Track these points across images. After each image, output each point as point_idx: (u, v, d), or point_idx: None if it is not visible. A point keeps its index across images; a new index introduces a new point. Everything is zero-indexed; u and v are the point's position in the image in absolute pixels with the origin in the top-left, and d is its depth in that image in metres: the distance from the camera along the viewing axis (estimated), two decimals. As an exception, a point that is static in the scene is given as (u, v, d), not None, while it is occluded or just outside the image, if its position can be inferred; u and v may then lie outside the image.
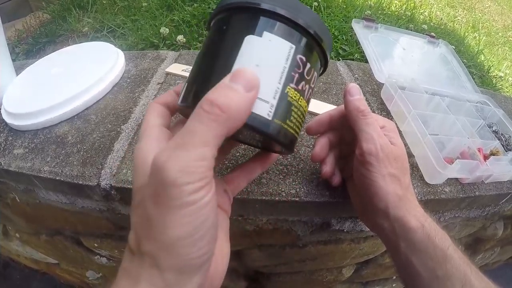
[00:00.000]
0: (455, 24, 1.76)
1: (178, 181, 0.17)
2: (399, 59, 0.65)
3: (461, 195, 0.44)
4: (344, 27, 1.09)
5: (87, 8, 1.19)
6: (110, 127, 0.46)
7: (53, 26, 1.16)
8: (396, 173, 0.30)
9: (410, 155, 0.47)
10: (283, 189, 0.39)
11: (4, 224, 0.75)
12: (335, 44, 1.02)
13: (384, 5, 1.48)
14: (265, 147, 0.30)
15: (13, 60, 0.56)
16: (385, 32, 0.68)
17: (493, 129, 0.54)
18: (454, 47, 0.83)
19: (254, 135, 0.26)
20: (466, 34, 1.67)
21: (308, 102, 0.25)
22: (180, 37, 0.94)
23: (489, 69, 1.37)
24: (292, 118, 0.23)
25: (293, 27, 0.22)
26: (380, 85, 0.58)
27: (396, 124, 0.50)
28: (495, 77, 1.37)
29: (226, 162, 0.41)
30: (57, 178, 0.40)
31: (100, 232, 0.57)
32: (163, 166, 0.17)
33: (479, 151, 0.47)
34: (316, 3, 1.18)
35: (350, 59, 0.96)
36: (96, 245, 0.60)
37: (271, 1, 0.22)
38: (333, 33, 1.06)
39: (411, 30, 1.01)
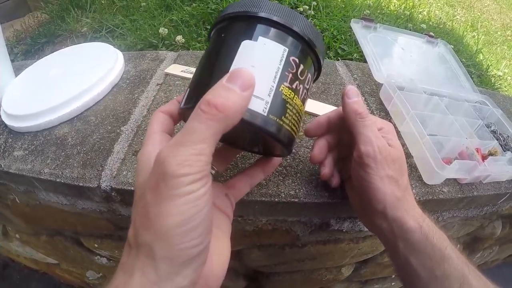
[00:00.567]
0: (454, 23, 1.76)
1: (176, 172, 0.18)
2: (398, 59, 0.65)
3: (459, 195, 0.45)
4: (343, 27, 1.09)
5: (86, 8, 1.19)
6: (110, 128, 0.46)
7: (52, 26, 1.16)
8: (394, 174, 0.31)
9: (408, 156, 0.47)
10: (282, 190, 0.39)
11: (4, 225, 0.75)
12: (334, 43, 1.02)
13: (383, 4, 1.48)
14: (265, 149, 0.30)
15: (12, 61, 0.56)
16: (384, 32, 0.68)
17: (492, 129, 0.54)
18: (452, 46, 0.83)
19: (253, 136, 0.26)
20: (465, 33, 1.67)
21: (303, 102, 0.26)
22: (179, 38, 0.94)
23: (488, 68, 1.38)
24: (287, 115, 0.24)
25: (285, 31, 0.24)
26: (379, 85, 0.58)
27: (394, 124, 0.51)
28: (494, 76, 1.38)
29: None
30: (58, 180, 0.41)
31: (100, 232, 0.57)
32: (164, 161, 0.19)
33: (477, 151, 0.47)
34: (315, 3, 1.17)
35: (349, 59, 0.96)
36: (96, 245, 0.61)
37: (266, 9, 0.23)
38: (332, 33, 1.06)
39: (410, 30, 1.01)
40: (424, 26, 1.41)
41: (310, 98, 0.53)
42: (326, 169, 0.36)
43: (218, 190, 0.29)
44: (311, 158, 0.35)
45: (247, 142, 0.30)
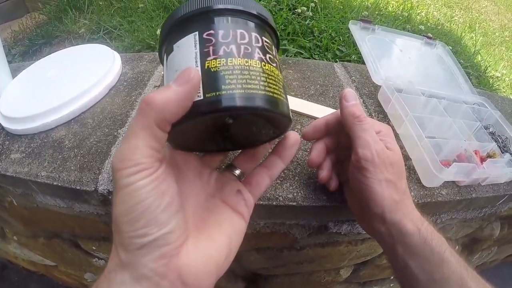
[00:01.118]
0: (452, 25, 1.77)
1: (116, 166, 0.20)
2: (396, 60, 0.65)
3: (458, 198, 0.45)
4: (341, 28, 1.09)
5: (84, 9, 1.18)
6: (107, 131, 0.46)
7: (49, 28, 1.15)
8: (392, 178, 0.31)
9: (407, 158, 0.47)
10: (280, 194, 0.39)
11: (1, 227, 0.74)
12: (332, 45, 1.02)
13: (381, 5, 1.48)
14: (266, 131, 0.28)
15: (9, 62, 0.55)
16: (382, 34, 0.68)
17: (490, 130, 0.54)
18: (451, 47, 0.83)
19: (246, 125, 0.26)
20: (463, 34, 1.68)
21: (250, 57, 0.24)
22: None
23: (486, 70, 1.38)
24: (228, 80, 0.22)
25: (182, 27, 0.25)
26: (377, 87, 0.58)
27: (393, 127, 0.51)
28: (492, 77, 1.38)
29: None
30: (55, 183, 0.40)
31: (98, 235, 0.57)
32: (113, 157, 0.21)
33: (476, 153, 0.47)
34: (313, 4, 1.18)
35: (347, 61, 0.96)
36: (94, 248, 0.60)
37: (167, 30, 0.26)
38: (330, 34, 1.06)
39: (408, 31, 1.02)
40: (422, 27, 1.41)
41: (309, 100, 0.53)
42: (324, 172, 0.35)
43: (228, 187, 0.28)
44: (309, 161, 0.35)
45: (249, 135, 0.28)
